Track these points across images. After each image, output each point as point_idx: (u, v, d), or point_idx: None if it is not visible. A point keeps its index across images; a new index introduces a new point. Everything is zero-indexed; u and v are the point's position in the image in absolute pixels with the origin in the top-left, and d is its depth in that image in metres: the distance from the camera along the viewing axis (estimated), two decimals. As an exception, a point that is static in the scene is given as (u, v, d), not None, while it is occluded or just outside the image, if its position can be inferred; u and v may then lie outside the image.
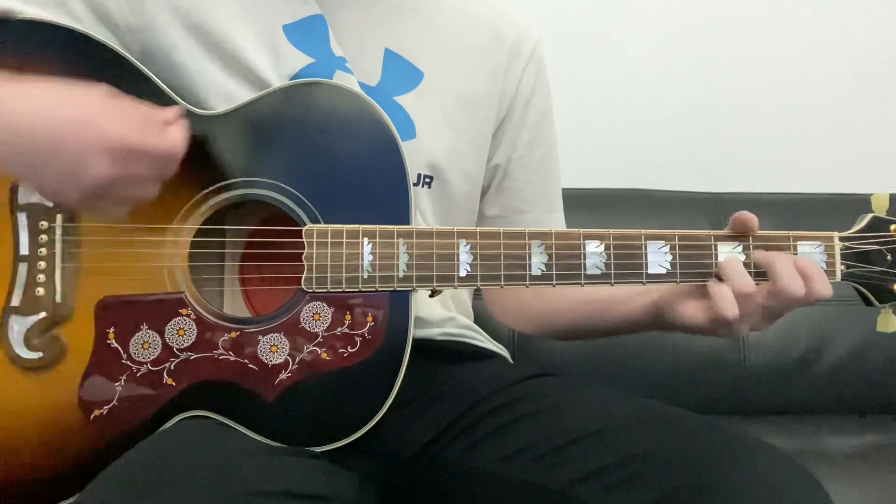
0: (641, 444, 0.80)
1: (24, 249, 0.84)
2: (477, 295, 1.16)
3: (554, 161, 1.13)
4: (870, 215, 0.91)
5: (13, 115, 0.74)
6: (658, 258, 0.87)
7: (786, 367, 1.53)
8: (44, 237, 0.84)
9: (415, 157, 0.89)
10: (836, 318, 1.52)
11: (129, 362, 0.84)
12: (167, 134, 0.79)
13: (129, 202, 0.79)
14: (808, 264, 0.85)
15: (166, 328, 0.84)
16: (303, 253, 0.84)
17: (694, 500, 0.74)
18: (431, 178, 1.01)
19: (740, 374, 1.52)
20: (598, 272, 0.86)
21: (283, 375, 0.84)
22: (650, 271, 0.87)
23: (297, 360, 0.84)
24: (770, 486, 0.74)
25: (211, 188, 0.86)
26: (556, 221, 1.12)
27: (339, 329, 0.85)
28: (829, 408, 1.53)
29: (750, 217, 0.87)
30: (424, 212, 1.01)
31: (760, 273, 0.86)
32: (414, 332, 0.86)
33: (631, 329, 0.98)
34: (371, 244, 0.85)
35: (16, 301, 0.83)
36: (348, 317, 0.85)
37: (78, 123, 0.74)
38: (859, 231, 0.90)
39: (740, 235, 0.87)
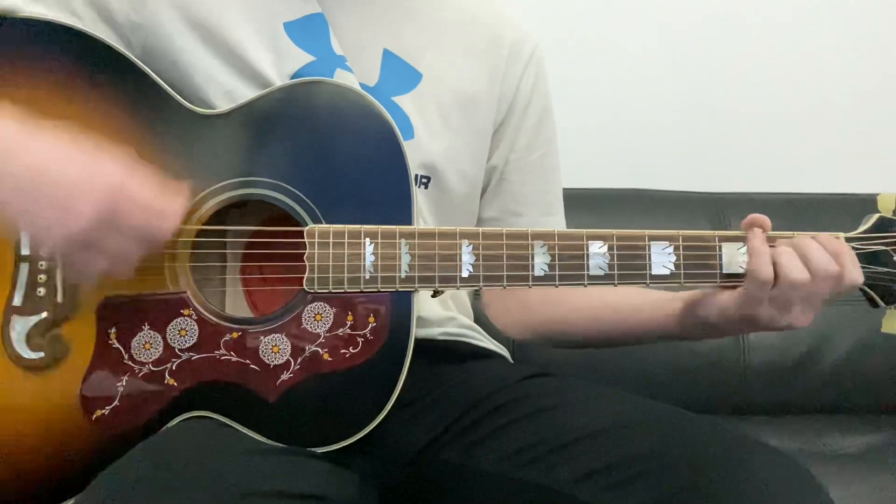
0: (641, 444, 0.80)
1: (25, 249, 0.84)
2: (477, 295, 1.16)
3: (552, 164, 1.12)
4: (876, 215, 0.91)
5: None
6: (662, 259, 0.87)
7: (786, 367, 1.53)
8: (45, 237, 0.84)
9: (412, 157, 0.89)
10: (836, 318, 1.52)
11: (130, 362, 0.83)
12: (164, 224, 0.80)
13: (100, 270, 0.79)
14: (840, 246, 0.86)
15: (168, 328, 0.84)
16: (304, 253, 0.84)
17: (694, 500, 0.74)
18: (428, 178, 1.01)
19: (740, 374, 1.52)
20: (601, 273, 0.86)
21: (284, 376, 0.84)
22: (654, 272, 0.86)
23: (299, 360, 0.84)
24: (770, 487, 0.74)
25: (212, 188, 0.86)
26: (553, 224, 1.11)
27: (341, 329, 0.85)
28: (829, 408, 1.53)
29: (762, 218, 0.87)
30: (421, 213, 1.00)
31: None
32: (415, 333, 0.86)
33: (650, 337, 0.99)
34: (373, 244, 0.84)
35: (17, 301, 0.83)
36: (350, 317, 0.85)
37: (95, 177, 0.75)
38: (865, 231, 0.90)
39: (745, 236, 0.87)
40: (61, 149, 0.76)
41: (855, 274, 0.86)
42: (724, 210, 1.59)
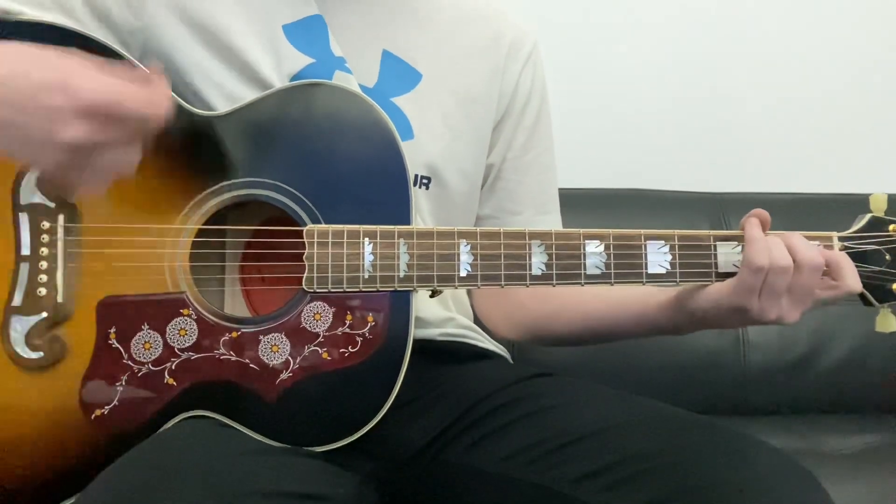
0: (641, 444, 0.80)
1: (25, 249, 0.84)
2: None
3: (548, 163, 1.12)
4: (868, 215, 0.91)
5: None
6: (658, 258, 0.87)
7: (786, 367, 1.53)
8: (46, 237, 0.84)
9: (412, 158, 0.90)
10: (836, 318, 1.52)
11: (130, 362, 0.84)
12: (146, 92, 0.72)
13: (110, 172, 0.73)
14: (840, 257, 0.87)
15: (167, 328, 0.84)
16: (303, 253, 0.85)
17: (694, 500, 0.74)
18: (429, 179, 1.01)
19: (740, 374, 1.52)
20: (598, 272, 0.87)
21: (283, 375, 0.84)
22: (650, 271, 0.87)
23: (298, 360, 0.84)
24: (770, 487, 0.74)
25: (212, 188, 0.86)
26: (548, 223, 1.11)
27: (340, 329, 0.85)
28: (829, 408, 1.53)
29: (762, 212, 0.87)
30: (423, 213, 1.01)
31: None
32: (414, 333, 0.86)
33: (640, 330, 0.99)
34: (372, 244, 0.85)
35: (17, 301, 0.83)
36: (349, 317, 0.85)
37: (50, 87, 0.68)
38: (858, 231, 0.91)
39: (739, 235, 0.88)
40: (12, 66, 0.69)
41: (853, 282, 0.87)
42: (724, 210, 1.59)
